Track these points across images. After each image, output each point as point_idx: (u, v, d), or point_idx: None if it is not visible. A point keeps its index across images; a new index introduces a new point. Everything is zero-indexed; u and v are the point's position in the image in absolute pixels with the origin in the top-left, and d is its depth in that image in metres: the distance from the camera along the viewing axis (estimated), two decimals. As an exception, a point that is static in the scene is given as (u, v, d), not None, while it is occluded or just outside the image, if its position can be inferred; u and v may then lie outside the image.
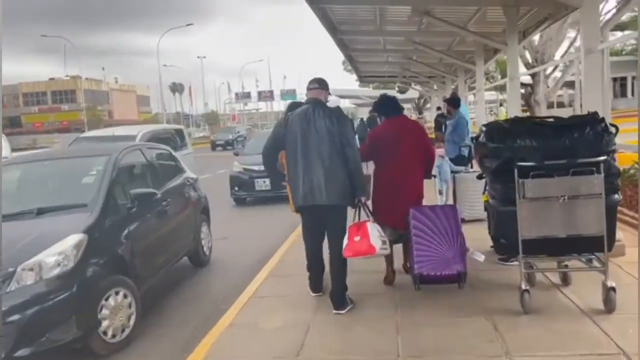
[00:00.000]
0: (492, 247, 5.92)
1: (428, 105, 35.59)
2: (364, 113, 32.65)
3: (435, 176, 6.79)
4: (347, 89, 39.99)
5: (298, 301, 4.80)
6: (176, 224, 5.86)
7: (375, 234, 4.35)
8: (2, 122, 5.55)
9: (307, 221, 4.70)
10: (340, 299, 4.48)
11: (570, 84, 26.41)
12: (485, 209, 4.68)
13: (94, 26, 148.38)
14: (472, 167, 8.40)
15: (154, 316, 5.05)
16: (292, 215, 5.14)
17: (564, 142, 3.98)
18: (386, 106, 5.29)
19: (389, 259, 5.07)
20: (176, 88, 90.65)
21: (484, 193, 4.61)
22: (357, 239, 4.30)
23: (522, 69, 13.66)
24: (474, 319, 4.12)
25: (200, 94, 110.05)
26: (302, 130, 4.46)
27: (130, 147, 5.53)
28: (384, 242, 4.42)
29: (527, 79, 15.32)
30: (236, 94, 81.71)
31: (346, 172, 4.40)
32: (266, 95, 78.77)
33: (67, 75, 73.89)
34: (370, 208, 4.74)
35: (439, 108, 20.33)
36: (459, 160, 7.97)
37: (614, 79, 41.61)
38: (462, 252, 4.58)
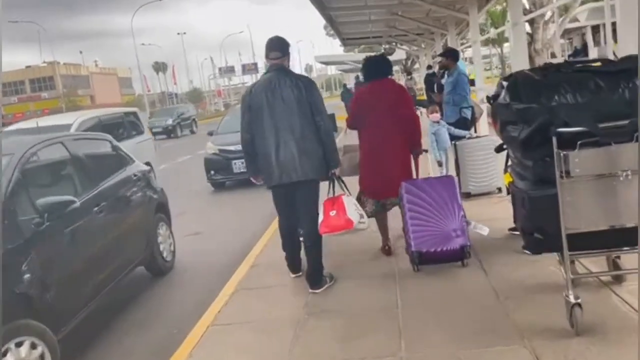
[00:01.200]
0: (510, 230, 4.88)
1: (416, 66, 34.04)
2: (352, 79, 31.20)
3: (426, 151, 5.73)
4: (331, 55, 38.33)
5: (268, 330, 3.66)
6: (118, 232, 4.68)
7: (352, 207, 4.12)
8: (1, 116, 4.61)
9: (279, 197, 4.35)
10: (315, 279, 4.21)
11: (567, 32, 25.07)
12: (509, 193, 3.51)
13: (68, 9, 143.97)
14: (475, 131, 7.23)
15: (84, 356, 3.94)
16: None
17: (622, 95, 2.81)
18: (366, 69, 4.96)
19: (384, 231, 4.87)
20: (159, 67, 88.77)
21: (506, 171, 3.44)
22: (332, 213, 4.05)
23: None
24: (507, 347, 3.00)
25: (184, 71, 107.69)
26: (268, 102, 4.08)
27: (45, 142, 4.28)
28: (361, 216, 4.17)
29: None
30: (219, 69, 79.51)
31: (319, 144, 4.10)
32: (250, 68, 76.26)
33: (44, 62, 71.53)
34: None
35: (429, 67, 19.05)
36: (461, 124, 6.77)
37: (593, 27, 40.13)
38: (464, 225, 4.21)
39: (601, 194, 2.85)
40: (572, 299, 2.96)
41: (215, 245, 6.64)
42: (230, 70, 79.42)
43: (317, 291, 4.16)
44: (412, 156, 4.81)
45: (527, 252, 4.27)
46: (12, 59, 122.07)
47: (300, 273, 4.48)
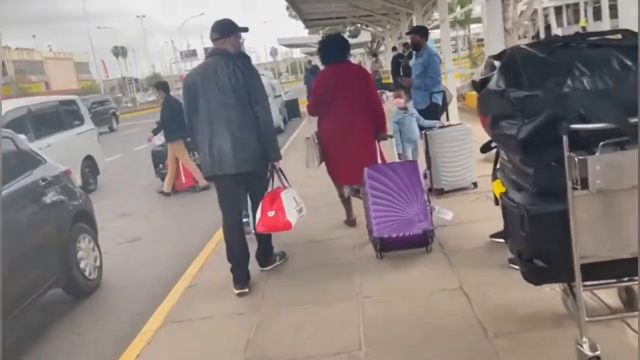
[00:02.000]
0: (492, 236, 4.19)
1: (382, 48, 33.20)
2: (317, 63, 30.17)
3: (391, 136, 5.12)
4: (295, 37, 37.09)
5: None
6: (17, 252, 3.76)
7: (291, 206, 3.92)
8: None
9: (220, 190, 4.08)
10: (264, 259, 4.25)
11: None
12: (497, 203, 2.73)
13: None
14: (447, 119, 6.49)
15: None
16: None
17: (658, 78, 2.06)
18: (324, 51, 4.74)
19: (348, 207, 4.97)
20: (118, 52, 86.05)
21: (494, 177, 2.67)
22: (271, 214, 3.85)
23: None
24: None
25: (145, 56, 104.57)
26: (203, 90, 3.85)
27: None
28: (300, 211, 4.03)
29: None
30: (181, 53, 77.23)
31: (257, 135, 3.88)
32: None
33: (-6, 48, 67.98)
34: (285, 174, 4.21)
35: (394, 48, 18.36)
36: (432, 111, 6.02)
37: (556, 8, 40.27)
38: (427, 210, 4.15)
39: (629, 211, 2.11)
40: (588, 351, 2.23)
41: (153, 254, 5.75)
42: (192, 54, 77.15)
43: (266, 269, 4.22)
44: (376, 142, 4.73)
45: (515, 266, 3.60)
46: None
47: (247, 290, 3.94)
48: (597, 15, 37.82)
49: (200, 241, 5.60)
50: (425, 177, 5.99)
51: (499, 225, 4.12)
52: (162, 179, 9.79)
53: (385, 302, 3.46)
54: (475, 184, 5.80)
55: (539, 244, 2.35)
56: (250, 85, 3.83)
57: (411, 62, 7.19)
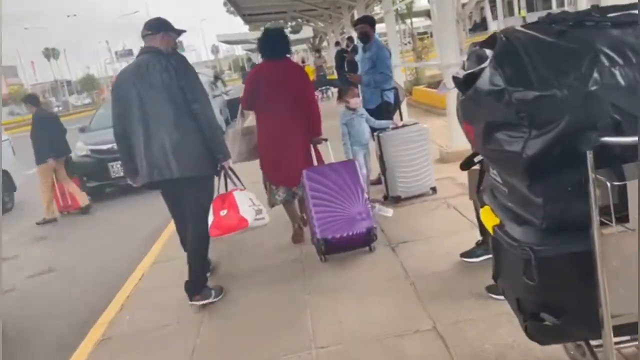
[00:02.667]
0: (463, 256, 3.63)
1: (324, 44, 32.59)
2: (258, 60, 29.20)
3: (326, 139, 4.64)
4: (234, 34, 35.92)
5: None
6: None
7: (245, 203, 3.65)
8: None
9: (164, 197, 3.91)
10: (194, 289, 3.68)
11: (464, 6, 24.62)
12: (482, 233, 2.09)
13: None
14: (401, 118, 5.90)
15: None
16: (162, 211, 4.02)
17: None
18: (265, 45, 4.42)
19: (293, 215, 4.62)
20: (49, 53, 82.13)
21: (482, 204, 2.03)
22: (223, 213, 3.58)
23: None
24: None
25: (78, 56, 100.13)
26: (136, 90, 3.58)
27: None
28: (258, 212, 3.71)
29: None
30: (116, 53, 74.17)
31: (199, 135, 3.57)
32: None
33: None
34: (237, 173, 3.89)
35: (337, 43, 17.85)
36: (383, 110, 5.40)
37: (490, 1, 41.10)
38: (368, 208, 4.07)
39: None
40: None
41: (67, 291, 4.87)
42: (128, 53, 74.09)
43: (197, 303, 3.63)
44: (311, 145, 4.54)
45: (494, 296, 3.03)
46: None
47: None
48: (530, 7, 38.88)
49: (123, 270, 4.80)
50: (379, 183, 5.42)
51: (468, 240, 3.60)
52: (90, 194, 8.78)
53: (344, 353, 2.79)
54: (434, 189, 5.25)
55: (550, 295, 1.75)
56: (184, 83, 3.54)
57: (357, 57, 6.57)
